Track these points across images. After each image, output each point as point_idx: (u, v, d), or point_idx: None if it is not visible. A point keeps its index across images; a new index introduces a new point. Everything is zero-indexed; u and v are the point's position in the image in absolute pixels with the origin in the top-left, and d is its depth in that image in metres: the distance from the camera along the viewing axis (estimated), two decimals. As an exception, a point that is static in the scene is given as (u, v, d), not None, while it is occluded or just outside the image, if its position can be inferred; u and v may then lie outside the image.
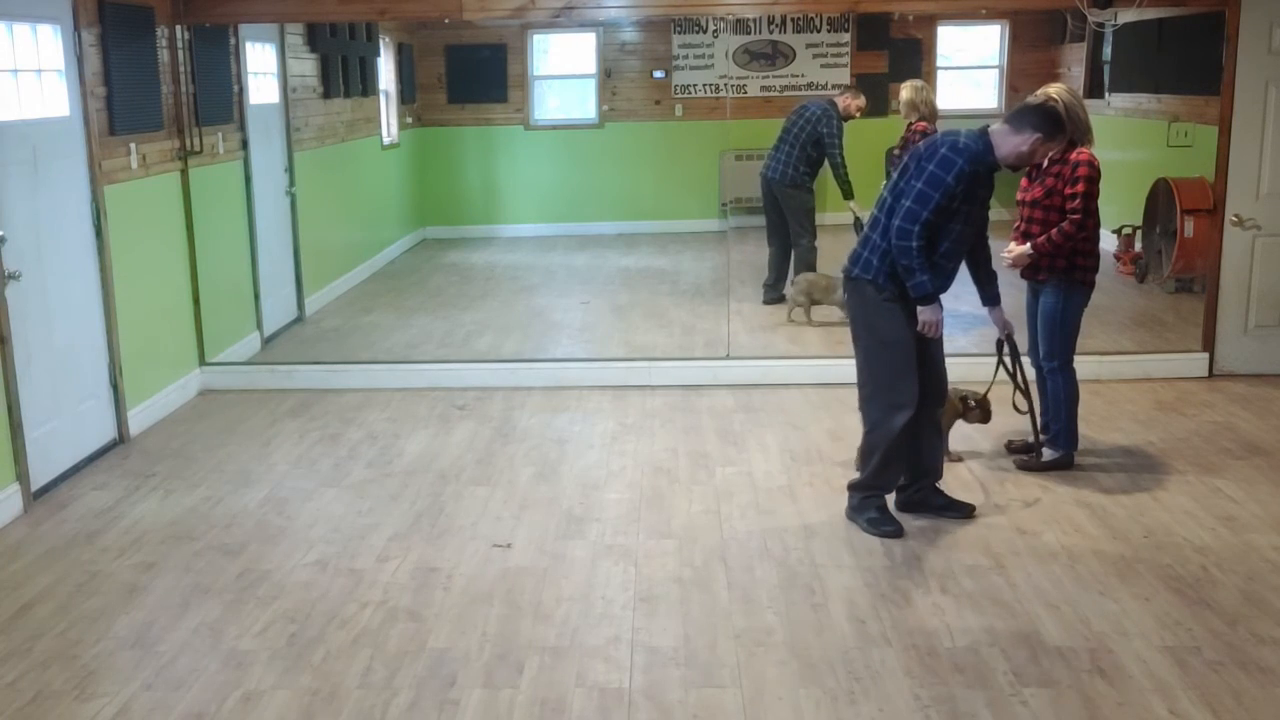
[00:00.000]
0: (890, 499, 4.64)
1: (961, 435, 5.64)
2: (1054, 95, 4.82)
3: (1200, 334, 6.72)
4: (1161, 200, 8.57)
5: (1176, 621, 3.79)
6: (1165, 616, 3.83)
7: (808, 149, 8.36)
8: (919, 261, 4.28)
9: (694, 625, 3.83)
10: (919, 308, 4.40)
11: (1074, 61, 11.52)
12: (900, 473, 4.62)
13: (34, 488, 5.03)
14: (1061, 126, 4.41)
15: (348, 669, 3.59)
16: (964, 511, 4.66)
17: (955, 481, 5.05)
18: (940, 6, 9.20)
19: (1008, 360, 4.99)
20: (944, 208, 4.27)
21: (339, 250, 9.39)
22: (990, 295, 4.75)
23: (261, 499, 5.03)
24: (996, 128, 4.36)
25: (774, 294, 8.46)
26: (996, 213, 13.08)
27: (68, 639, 3.81)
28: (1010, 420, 5.86)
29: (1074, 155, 4.86)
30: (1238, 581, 4.07)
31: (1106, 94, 10.38)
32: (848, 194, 8.38)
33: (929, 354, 4.54)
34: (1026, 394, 5.00)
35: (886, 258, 4.36)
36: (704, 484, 5.12)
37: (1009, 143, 4.32)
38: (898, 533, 4.49)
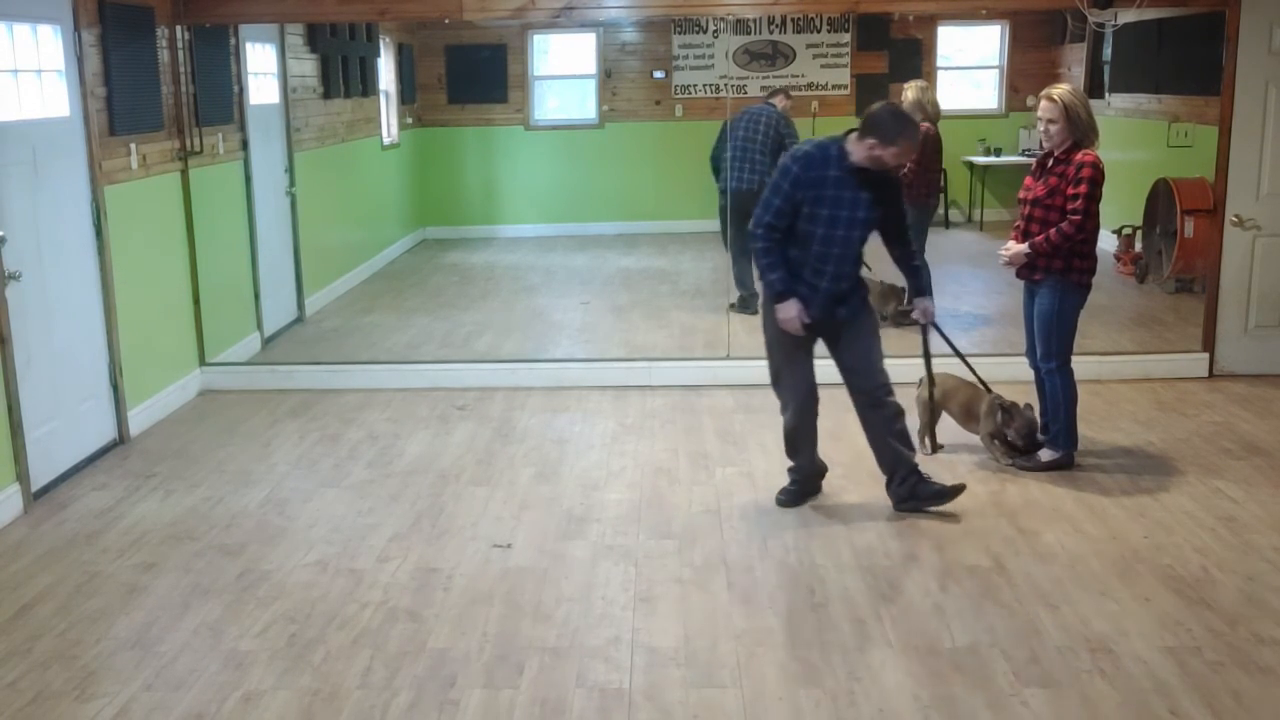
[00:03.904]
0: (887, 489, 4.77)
1: (961, 433, 5.65)
2: (1056, 96, 4.82)
3: (1200, 334, 6.72)
4: (1161, 200, 8.57)
5: (1176, 621, 3.79)
6: (1165, 616, 3.83)
7: (770, 154, 8.36)
8: (765, 260, 4.49)
9: (694, 625, 3.83)
10: (775, 305, 4.53)
11: (1074, 62, 11.53)
12: (807, 458, 4.83)
13: (34, 488, 5.03)
14: (889, 130, 4.30)
15: (348, 669, 3.59)
16: (949, 496, 4.68)
17: (954, 481, 5.04)
18: (940, 6, 9.19)
19: (953, 351, 5.19)
20: (784, 210, 4.42)
21: (339, 250, 9.39)
22: (916, 287, 4.84)
23: (262, 499, 5.03)
24: (853, 132, 4.43)
25: (755, 305, 8.44)
26: (996, 212, 13.06)
27: (68, 639, 3.81)
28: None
29: (1078, 156, 4.84)
30: (1238, 582, 4.07)
31: (1106, 94, 10.39)
32: None
33: (854, 352, 4.61)
34: (931, 385, 5.24)
35: None
36: (704, 484, 5.12)
37: (858, 149, 4.39)
38: (787, 503, 4.80)
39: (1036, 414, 5.19)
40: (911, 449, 4.73)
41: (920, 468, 4.73)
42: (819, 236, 4.44)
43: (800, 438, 4.78)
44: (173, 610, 4.00)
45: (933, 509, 4.68)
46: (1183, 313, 7.82)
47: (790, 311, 4.51)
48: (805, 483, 4.88)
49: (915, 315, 4.93)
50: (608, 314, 8.52)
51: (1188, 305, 7.93)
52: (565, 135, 12.32)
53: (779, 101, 8.55)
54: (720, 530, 4.61)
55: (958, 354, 5.22)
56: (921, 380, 5.40)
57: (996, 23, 12.22)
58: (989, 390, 5.27)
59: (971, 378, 5.34)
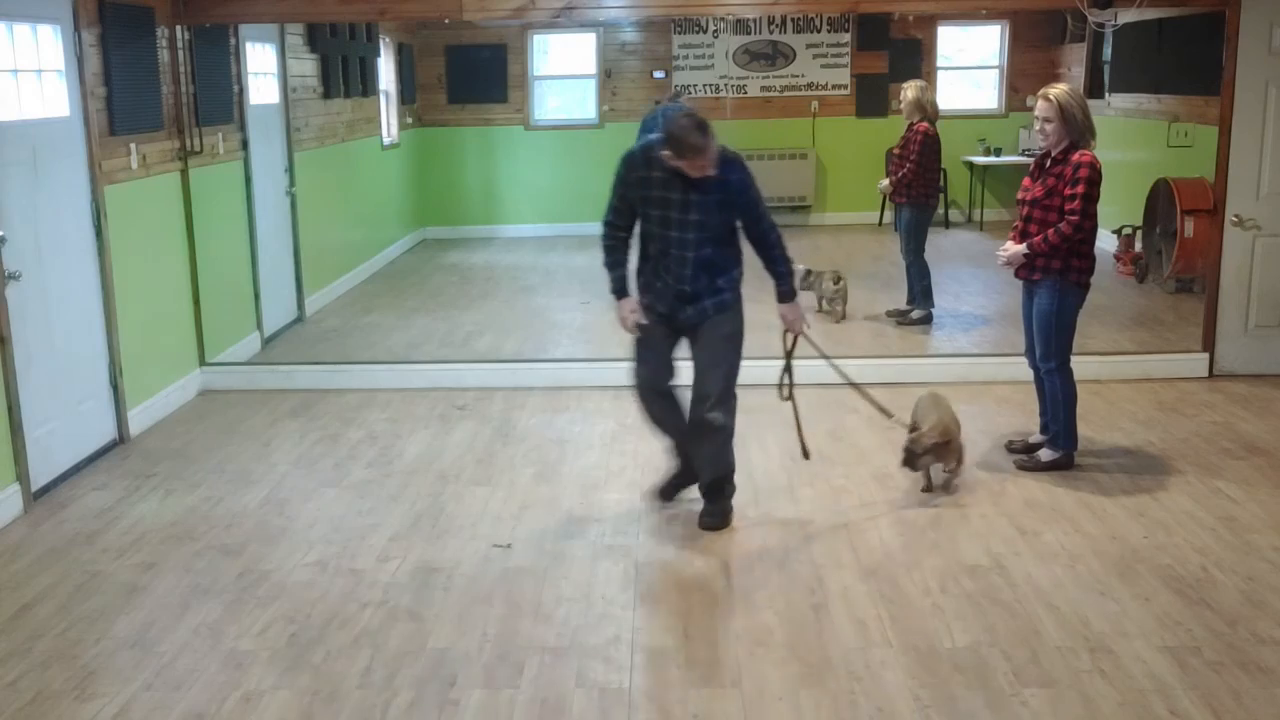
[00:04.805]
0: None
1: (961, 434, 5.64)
2: (1052, 96, 4.82)
3: (1200, 334, 6.72)
4: (1161, 200, 8.58)
5: (1176, 621, 3.79)
6: (1165, 616, 3.83)
7: None
8: (606, 259, 4.61)
9: (694, 625, 3.83)
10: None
11: (1074, 61, 11.53)
12: (668, 443, 4.77)
13: (34, 488, 5.03)
14: (686, 149, 4.17)
15: (348, 669, 3.59)
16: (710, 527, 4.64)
17: (955, 481, 5.05)
18: (940, 6, 9.20)
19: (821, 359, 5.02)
20: (620, 209, 4.51)
21: (339, 250, 9.39)
22: (778, 292, 4.60)
23: (262, 499, 5.03)
24: None
25: None
26: (996, 212, 13.06)
27: (68, 639, 3.81)
28: (1011, 420, 5.87)
29: (1075, 156, 4.84)
30: (1238, 582, 4.07)
31: (1106, 94, 10.39)
32: None
33: (696, 360, 4.56)
34: (791, 395, 4.80)
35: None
36: (704, 484, 5.12)
37: (666, 154, 4.29)
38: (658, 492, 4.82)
39: (928, 437, 4.81)
40: (718, 471, 4.61)
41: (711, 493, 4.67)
42: (655, 236, 4.46)
43: (657, 429, 4.71)
44: (173, 610, 4.00)
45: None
46: (1183, 313, 7.82)
47: (623, 310, 4.59)
48: (677, 473, 4.82)
49: (785, 325, 4.66)
50: (608, 314, 8.47)
51: (1188, 305, 7.93)
52: (565, 135, 12.32)
53: (685, 103, 8.58)
54: (720, 530, 4.60)
55: (834, 368, 5.03)
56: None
57: (996, 23, 12.23)
58: (889, 415, 5.08)
59: (944, 403, 5.07)
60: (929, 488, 4.93)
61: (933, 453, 4.82)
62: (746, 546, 4.45)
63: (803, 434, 4.92)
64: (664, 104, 8.51)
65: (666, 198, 4.35)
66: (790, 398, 4.80)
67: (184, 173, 6.53)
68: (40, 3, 5.27)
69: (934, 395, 5.16)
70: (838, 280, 8.02)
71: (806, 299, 8.21)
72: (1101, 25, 7.69)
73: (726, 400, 4.54)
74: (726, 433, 4.58)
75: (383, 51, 10.72)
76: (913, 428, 4.91)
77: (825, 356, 5.12)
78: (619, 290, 4.62)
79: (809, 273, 8.23)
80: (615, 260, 4.61)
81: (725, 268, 4.47)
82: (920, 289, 7.80)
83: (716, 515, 4.65)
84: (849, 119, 12.22)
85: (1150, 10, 7.02)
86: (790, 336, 4.70)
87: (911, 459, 4.84)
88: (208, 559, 4.42)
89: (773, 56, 12.17)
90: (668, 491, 4.84)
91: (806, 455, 4.94)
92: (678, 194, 4.33)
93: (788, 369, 4.79)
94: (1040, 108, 4.87)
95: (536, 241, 11.84)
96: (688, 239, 4.38)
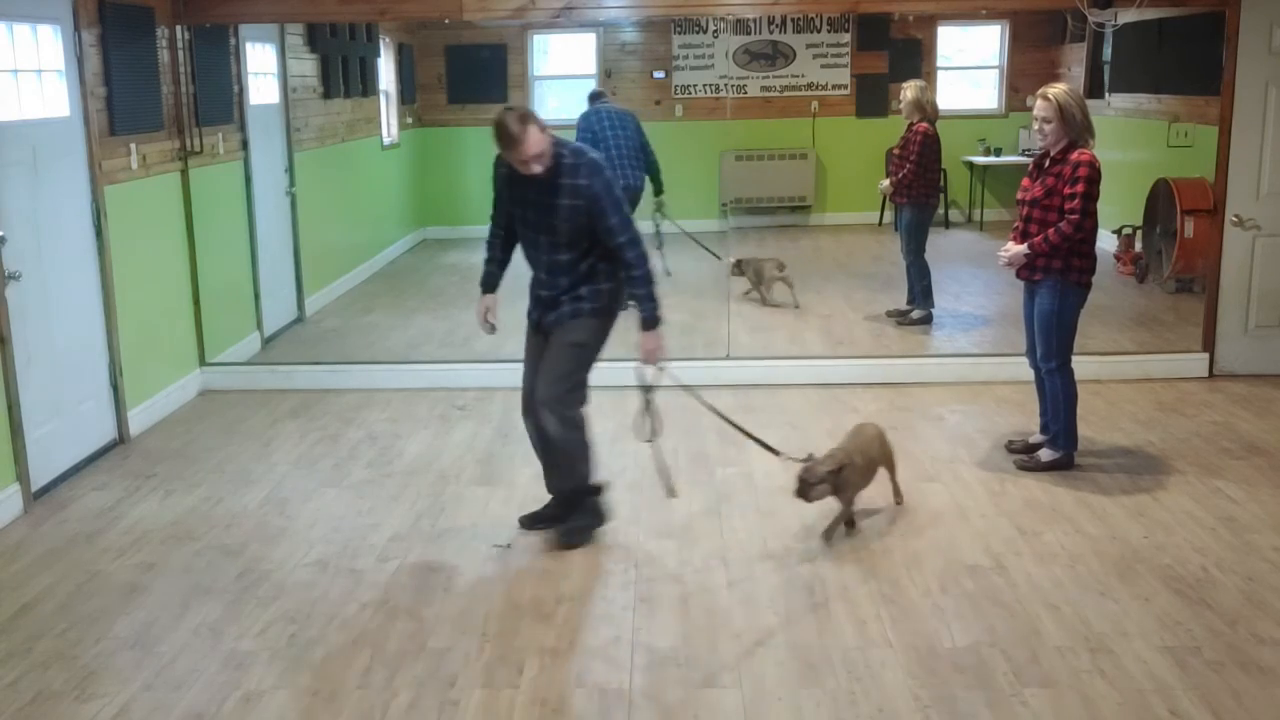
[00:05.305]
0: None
1: (961, 434, 5.65)
2: (1051, 95, 4.82)
3: (1200, 334, 6.72)
4: (1161, 200, 8.57)
5: (1176, 621, 3.79)
6: (1165, 616, 3.83)
7: (640, 151, 8.42)
8: (485, 255, 4.72)
9: (694, 625, 3.83)
10: None
11: (1074, 61, 11.53)
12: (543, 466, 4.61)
13: (34, 488, 5.03)
14: (502, 138, 4.10)
15: (348, 669, 3.59)
16: (585, 531, 4.55)
17: (955, 481, 5.05)
18: (940, 6, 9.19)
19: (669, 388, 4.64)
20: (499, 206, 4.57)
21: (339, 250, 9.39)
22: (639, 320, 4.37)
23: (262, 499, 5.03)
24: None
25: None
26: (996, 213, 13.03)
27: (68, 639, 3.81)
28: (1011, 420, 5.87)
29: (1075, 155, 4.84)
30: (1238, 582, 4.07)
31: (1106, 94, 10.39)
32: (661, 189, 8.47)
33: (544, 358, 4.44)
34: (653, 437, 4.56)
35: None
36: (704, 484, 5.12)
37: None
38: (523, 523, 4.66)
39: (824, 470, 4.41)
40: (566, 483, 4.52)
41: (565, 499, 4.58)
42: (522, 237, 4.48)
43: (535, 449, 4.59)
44: (173, 610, 4.00)
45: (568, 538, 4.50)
46: (1183, 313, 7.82)
47: (478, 307, 4.69)
48: (553, 504, 4.65)
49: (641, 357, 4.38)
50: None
51: (1188, 305, 7.93)
52: (565, 135, 12.29)
53: (610, 102, 8.58)
54: (720, 530, 4.61)
55: (712, 406, 4.80)
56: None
57: (996, 23, 12.22)
58: (776, 452, 4.57)
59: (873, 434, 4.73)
60: (848, 527, 4.52)
61: (827, 482, 4.37)
62: (746, 546, 4.45)
63: (669, 473, 4.76)
64: (597, 104, 8.51)
65: (525, 197, 4.34)
66: (651, 439, 4.56)
67: (184, 173, 6.53)
68: (40, 3, 5.27)
69: (859, 426, 4.80)
70: (781, 268, 8.40)
71: (737, 284, 8.42)
72: (1101, 25, 7.69)
73: (559, 408, 4.32)
74: (569, 444, 4.38)
75: (383, 51, 10.72)
76: (807, 457, 4.49)
77: (690, 389, 4.81)
78: (483, 286, 4.71)
79: (740, 261, 8.61)
80: (489, 257, 4.70)
81: (590, 278, 4.33)
82: (920, 289, 7.80)
83: (569, 533, 4.49)
84: (849, 119, 12.22)
85: (1150, 10, 7.02)
86: (649, 370, 4.41)
87: (803, 489, 4.37)
88: (208, 559, 4.42)
89: (773, 56, 12.17)
90: (528, 521, 4.67)
91: (672, 494, 4.75)
92: (533, 193, 4.30)
93: (648, 406, 4.53)
94: (1039, 107, 4.87)
95: (536, 241, 11.80)
96: (540, 240, 4.35)
